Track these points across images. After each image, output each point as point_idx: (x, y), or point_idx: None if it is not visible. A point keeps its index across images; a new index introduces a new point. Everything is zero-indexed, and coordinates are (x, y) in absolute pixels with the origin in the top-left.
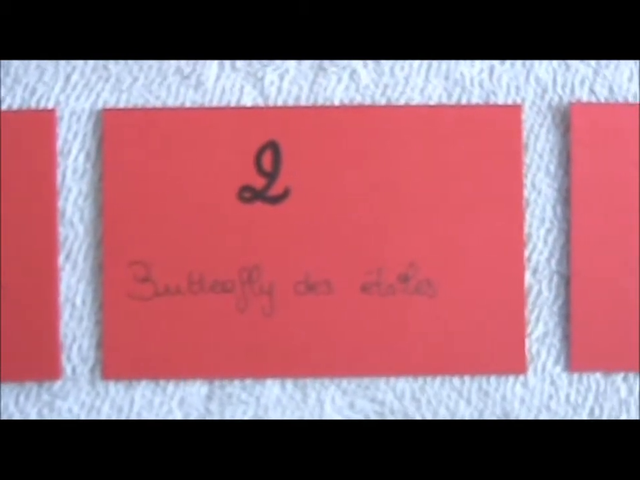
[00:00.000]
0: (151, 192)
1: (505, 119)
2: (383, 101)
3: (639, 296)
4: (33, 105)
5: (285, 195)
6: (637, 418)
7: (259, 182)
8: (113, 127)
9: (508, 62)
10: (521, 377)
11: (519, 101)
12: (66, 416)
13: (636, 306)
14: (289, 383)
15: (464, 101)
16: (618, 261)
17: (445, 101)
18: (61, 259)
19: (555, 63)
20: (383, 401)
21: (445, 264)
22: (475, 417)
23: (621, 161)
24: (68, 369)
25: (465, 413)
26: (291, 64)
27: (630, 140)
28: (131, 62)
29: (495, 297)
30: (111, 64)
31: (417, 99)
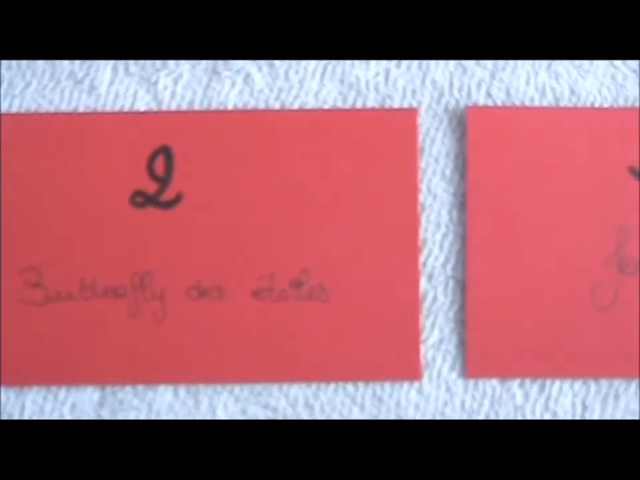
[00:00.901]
0: (43, 197)
1: (401, 122)
2: (277, 105)
3: (534, 301)
4: None
5: (177, 199)
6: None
7: (151, 187)
8: (6, 131)
9: (404, 65)
10: (416, 383)
11: (415, 104)
12: None
13: (531, 311)
14: (182, 389)
15: (359, 105)
16: (513, 266)
17: (339, 104)
18: None
19: (451, 65)
20: (276, 407)
21: (338, 269)
22: None
23: (516, 164)
24: None
25: (359, 419)
26: (185, 68)
27: (526, 143)
28: (23, 66)
29: (390, 302)
30: (3, 68)
31: (311, 103)
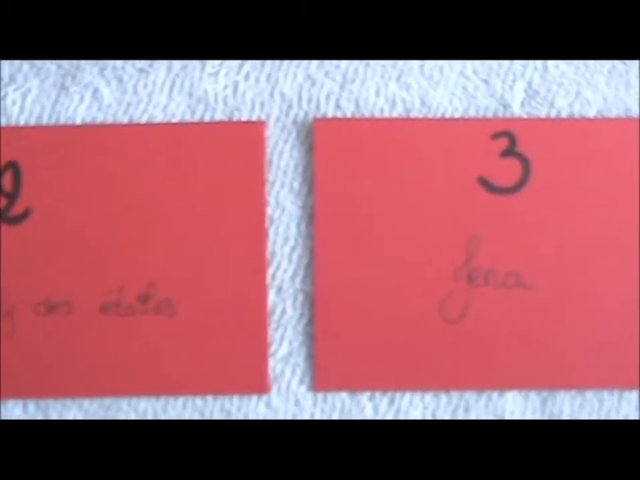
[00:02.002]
0: None
1: (248, 135)
2: (126, 120)
3: (383, 314)
4: None
5: (25, 215)
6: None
7: None
8: None
9: (252, 78)
10: (264, 397)
11: (263, 117)
12: None
13: (380, 324)
14: (30, 404)
15: (207, 118)
16: (362, 278)
17: (188, 118)
18: None
19: (300, 78)
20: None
21: (185, 283)
22: None
23: (365, 176)
24: None
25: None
26: (34, 83)
27: (374, 155)
28: None
29: (238, 315)
30: None
31: (159, 117)
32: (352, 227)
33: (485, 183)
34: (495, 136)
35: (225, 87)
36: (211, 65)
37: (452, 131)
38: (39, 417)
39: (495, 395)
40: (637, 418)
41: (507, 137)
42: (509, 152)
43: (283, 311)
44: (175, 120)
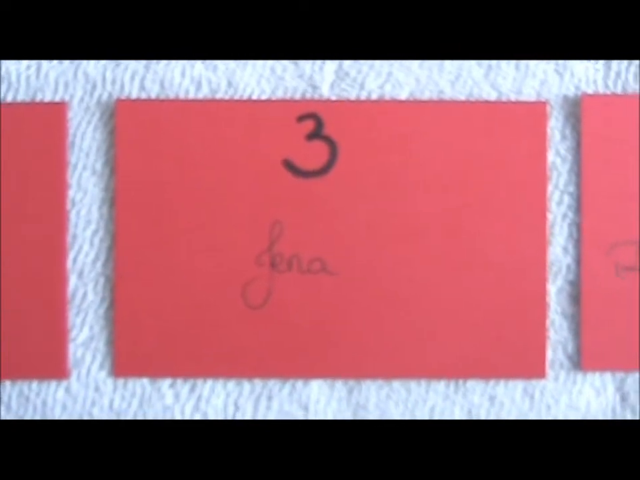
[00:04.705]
0: None
1: (50, 116)
2: None
3: (185, 300)
4: None
5: None
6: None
7: None
8: None
9: (55, 60)
10: (64, 382)
11: (67, 98)
12: None
13: (182, 310)
14: None
15: (9, 99)
16: (164, 263)
17: None
18: None
19: (104, 58)
20: None
21: None
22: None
23: (167, 158)
24: None
25: (5, 419)
26: None
27: (178, 137)
28: None
29: (38, 300)
30: None
31: None
32: (154, 211)
33: (290, 166)
34: (301, 118)
35: (28, 68)
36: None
37: (257, 112)
38: None
39: (300, 383)
40: (445, 408)
41: (314, 120)
42: (315, 135)
43: (84, 295)
44: None
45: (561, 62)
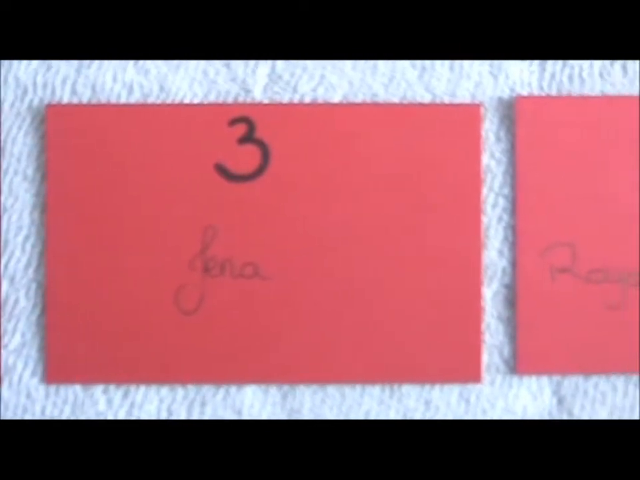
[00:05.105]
0: None
1: None
2: None
3: (117, 305)
4: None
5: None
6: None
7: None
8: None
9: None
10: None
11: None
12: None
13: (115, 316)
14: None
15: None
16: (96, 269)
17: None
18: None
19: (35, 63)
20: None
21: None
22: None
23: (99, 164)
24: None
25: None
26: None
27: (109, 142)
28: None
29: None
30: None
31: None
32: (85, 216)
33: (222, 170)
34: (233, 122)
35: None
36: None
37: (189, 117)
38: None
39: (234, 388)
40: (380, 412)
41: (246, 123)
42: (247, 138)
43: (16, 302)
44: None
45: (495, 63)
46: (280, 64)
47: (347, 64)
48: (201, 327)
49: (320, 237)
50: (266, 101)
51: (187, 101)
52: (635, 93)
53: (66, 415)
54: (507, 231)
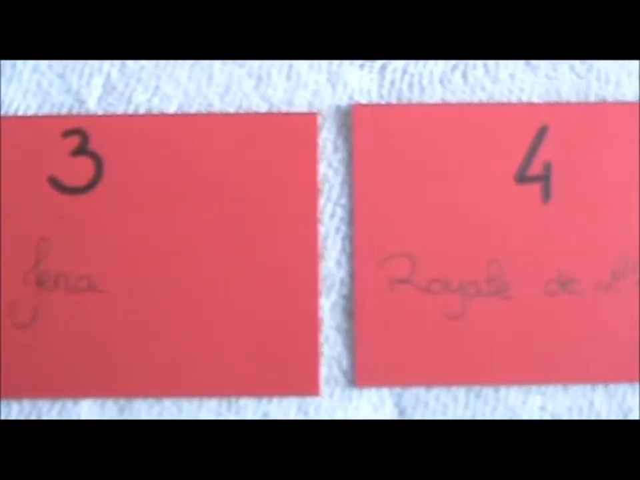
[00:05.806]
0: None
1: None
2: None
3: None
4: None
5: None
6: None
7: None
8: None
9: None
10: None
11: None
12: None
13: None
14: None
15: None
16: None
17: None
18: None
19: None
20: None
21: None
22: None
23: None
24: None
25: None
26: None
27: None
28: None
29: None
30: None
31: None
32: None
33: (55, 183)
34: (67, 134)
35: None
36: None
37: (22, 128)
38: None
39: (70, 403)
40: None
41: (79, 135)
42: (81, 150)
43: None
44: None
45: (333, 71)
46: (114, 74)
47: (183, 74)
48: (35, 341)
49: (154, 250)
50: (100, 112)
51: (20, 112)
52: (476, 100)
53: None
54: (345, 241)
